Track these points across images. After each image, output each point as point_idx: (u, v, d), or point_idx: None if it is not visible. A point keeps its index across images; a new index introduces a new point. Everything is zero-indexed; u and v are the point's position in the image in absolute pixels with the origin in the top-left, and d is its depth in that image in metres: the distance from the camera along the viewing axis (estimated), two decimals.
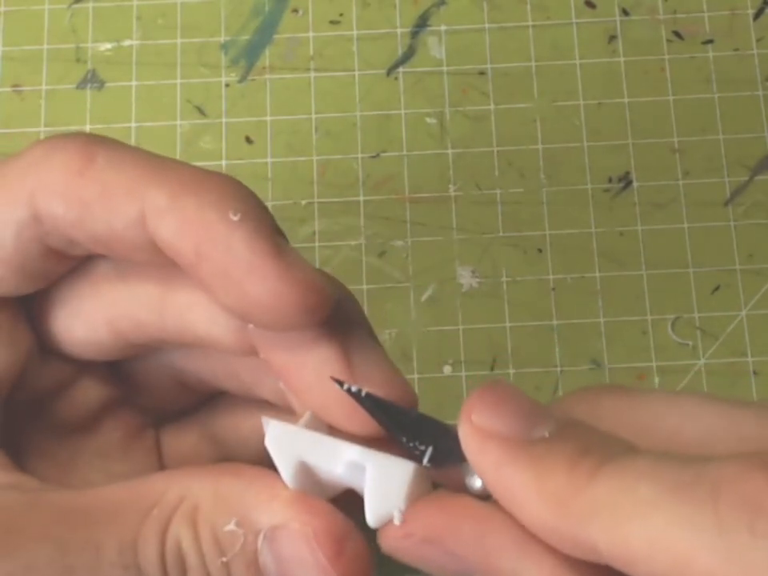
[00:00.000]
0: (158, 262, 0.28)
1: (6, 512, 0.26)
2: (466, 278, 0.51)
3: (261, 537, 0.26)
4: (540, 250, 0.52)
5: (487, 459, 0.24)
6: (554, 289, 0.51)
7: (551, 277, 0.51)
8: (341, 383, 0.26)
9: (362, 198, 0.53)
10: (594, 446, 0.23)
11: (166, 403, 0.33)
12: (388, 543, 0.26)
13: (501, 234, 0.52)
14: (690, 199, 0.52)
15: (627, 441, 0.24)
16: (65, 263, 0.30)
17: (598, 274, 0.51)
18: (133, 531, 0.26)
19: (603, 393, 0.26)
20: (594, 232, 0.52)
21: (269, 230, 0.27)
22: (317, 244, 0.52)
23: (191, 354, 0.32)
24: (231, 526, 0.26)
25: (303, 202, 0.53)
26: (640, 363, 0.50)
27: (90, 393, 0.32)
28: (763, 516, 0.20)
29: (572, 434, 0.24)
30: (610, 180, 0.53)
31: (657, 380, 0.50)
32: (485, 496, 0.25)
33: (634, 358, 0.50)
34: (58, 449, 0.32)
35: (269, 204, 0.53)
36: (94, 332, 0.30)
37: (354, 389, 0.26)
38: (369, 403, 0.26)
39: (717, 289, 0.51)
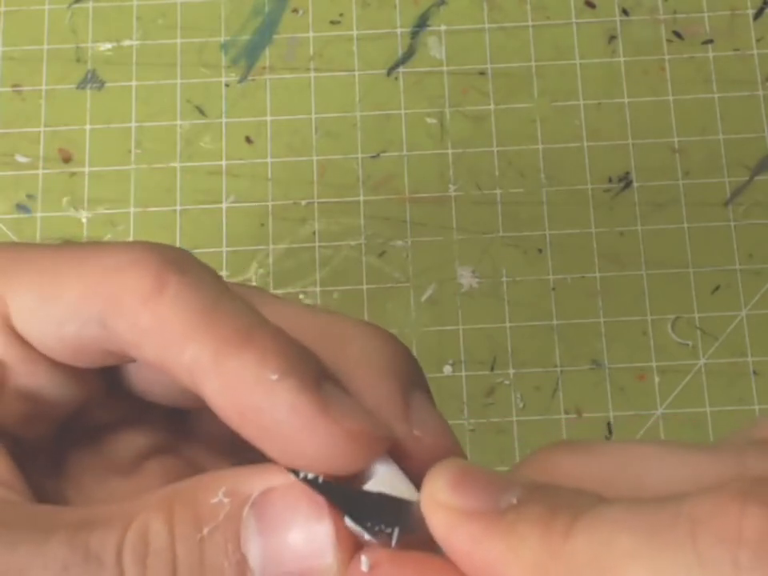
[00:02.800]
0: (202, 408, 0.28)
1: None
2: (466, 278, 0.51)
3: (248, 505, 0.25)
4: (540, 250, 0.52)
5: (458, 537, 0.23)
6: (554, 289, 0.51)
7: (551, 277, 0.51)
8: (296, 472, 0.26)
9: (362, 198, 0.53)
10: (563, 504, 0.23)
11: (216, 455, 0.33)
12: None
13: (501, 233, 0.52)
14: (690, 199, 0.52)
15: (595, 493, 0.23)
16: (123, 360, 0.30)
17: (598, 274, 0.51)
18: (92, 521, 0.25)
19: (560, 451, 0.25)
20: (594, 232, 0.52)
21: (312, 382, 0.27)
22: (317, 244, 0.52)
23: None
24: (218, 497, 0.25)
25: (303, 202, 0.53)
26: (640, 363, 0.50)
27: (142, 436, 0.32)
28: (744, 548, 0.20)
29: (540, 495, 0.23)
30: (610, 180, 0.53)
31: (657, 380, 0.50)
32: None
33: (634, 358, 0.50)
34: (96, 485, 0.31)
35: (269, 204, 0.53)
36: (167, 385, 0.30)
37: (310, 476, 0.26)
38: (326, 489, 0.26)
39: (717, 289, 0.51)
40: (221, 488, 0.26)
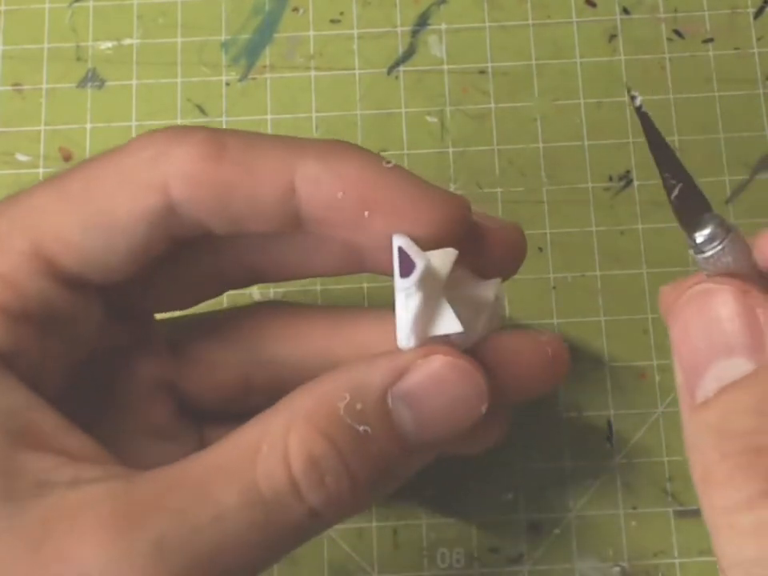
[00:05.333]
0: (294, 236, 0.30)
1: (113, 501, 0.26)
2: None
3: (390, 394, 0.27)
4: (540, 249, 0.52)
5: None
6: (554, 287, 0.51)
7: (552, 275, 0.51)
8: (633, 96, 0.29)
9: None
10: None
11: (218, 396, 0.33)
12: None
13: None
14: None
15: None
16: (168, 250, 0.31)
17: (598, 273, 0.51)
18: (248, 474, 0.26)
19: None
20: (595, 231, 0.52)
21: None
22: None
23: (237, 245, 0.32)
24: (354, 400, 0.27)
25: None
26: (641, 362, 0.50)
27: (148, 367, 0.32)
28: None
29: None
30: (611, 179, 0.53)
31: (658, 378, 0.50)
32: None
33: (635, 356, 0.50)
34: (135, 449, 0.32)
35: None
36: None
37: (638, 101, 0.28)
38: (648, 124, 0.28)
39: None
40: (349, 388, 0.27)
